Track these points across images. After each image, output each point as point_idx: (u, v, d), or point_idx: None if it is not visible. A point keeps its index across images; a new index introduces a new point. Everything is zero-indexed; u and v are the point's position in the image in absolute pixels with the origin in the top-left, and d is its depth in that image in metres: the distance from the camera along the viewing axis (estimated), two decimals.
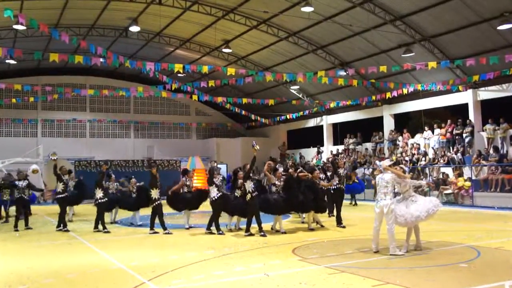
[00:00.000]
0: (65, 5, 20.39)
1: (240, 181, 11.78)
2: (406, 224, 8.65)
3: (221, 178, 12.36)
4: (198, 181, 19.71)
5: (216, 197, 11.66)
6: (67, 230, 12.75)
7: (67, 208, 14.20)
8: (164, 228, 12.00)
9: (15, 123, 30.53)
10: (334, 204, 13.23)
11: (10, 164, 24.24)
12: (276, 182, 11.98)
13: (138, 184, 13.95)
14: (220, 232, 11.63)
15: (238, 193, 11.85)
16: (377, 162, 9.78)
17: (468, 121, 20.82)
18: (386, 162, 9.15)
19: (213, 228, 11.73)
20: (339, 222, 12.68)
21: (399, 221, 8.57)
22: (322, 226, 12.51)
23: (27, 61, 26.70)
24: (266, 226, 11.65)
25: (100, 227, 12.60)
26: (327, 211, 14.58)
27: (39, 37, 22.59)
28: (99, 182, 12.83)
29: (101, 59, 17.65)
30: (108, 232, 12.38)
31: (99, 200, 12.72)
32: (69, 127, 32.08)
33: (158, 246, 10.20)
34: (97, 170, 17.78)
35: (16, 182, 13.93)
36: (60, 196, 13.09)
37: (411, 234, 8.82)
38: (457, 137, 21.02)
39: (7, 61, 24.89)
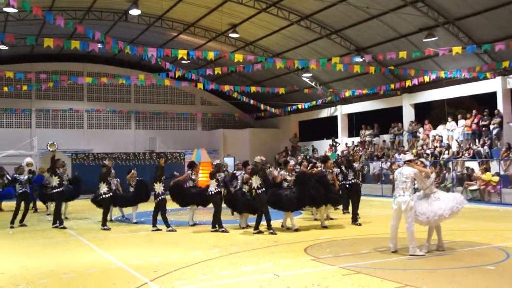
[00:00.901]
0: None
1: (246, 176, 11.87)
2: (428, 223, 8.61)
3: (222, 175, 12.38)
4: (204, 175, 19.76)
5: (213, 192, 11.77)
6: (64, 227, 12.86)
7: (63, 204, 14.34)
8: (167, 225, 12.05)
9: (7, 113, 30.70)
10: (350, 200, 13.27)
11: (3, 157, 24.50)
12: (288, 177, 12.00)
13: (137, 178, 14.04)
14: (223, 229, 11.67)
15: (245, 188, 11.97)
16: (396, 155, 9.77)
17: (496, 111, 20.63)
18: (408, 156, 9.12)
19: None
20: (354, 219, 12.67)
21: (420, 220, 8.54)
22: (331, 218, 12.74)
23: (19, 46, 26.78)
24: (276, 223, 11.66)
25: (114, 225, 12.77)
26: (341, 207, 14.65)
27: (32, 20, 22.62)
28: (104, 177, 12.92)
29: (99, 45, 17.66)
30: (108, 229, 12.48)
31: (104, 195, 12.83)
32: (66, 118, 32.25)
33: (160, 244, 10.24)
34: (99, 164, 17.87)
35: (17, 176, 14.03)
36: (56, 190, 13.18)
37: (433, 233, 8.78)
38: (483, 128, 20.84)
39: None
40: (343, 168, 13.76)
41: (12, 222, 13.45)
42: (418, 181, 8.77)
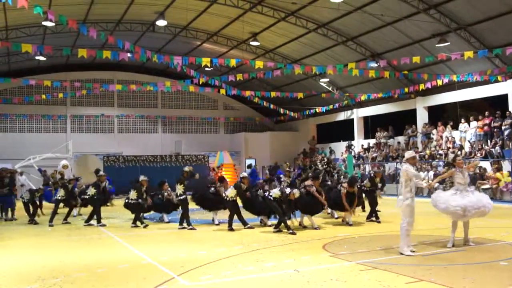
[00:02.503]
0: (93, 0, 20.77)
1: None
2: (464, 216, 8.56)
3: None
4: (226, 176, 19.86)
5: (233, 197, 11.86)
6: (103, 225, 13.14)
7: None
8: (189, 224, 12.13)
9: (45, 119, 31.36)
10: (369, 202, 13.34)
11: (41, 160, 24.98)
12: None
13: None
14: (249, 226, 11.77)
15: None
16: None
17: (508, 112, 20.29)
18: (407, 154, 8.83)
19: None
20: (372, 215, 12.82)
21: (457, 212, 8.50)
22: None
23: (56, 57, 27.34)
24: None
25: (138, 222, 12.89)
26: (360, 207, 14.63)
27: (67, 33, 23.10)
28: (141, 191, 13.07)
29: (129, 54, 17.90)
30: (147, 225, 12.78)
31: (131, 201, 13.12)
32: (98, 123, 32.74)
33: (187, 241, 10.33)
34: (128, 165, 18.04)
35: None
36: (95, 198, 13.50)
37: (456, 228, 8.71)
38: (495, 130, 20.51)
39: (37, 57, 25.54)
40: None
41: (51, 220, 13.73)
42: (407, 178, 8.30)
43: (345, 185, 12.27)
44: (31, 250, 9.79)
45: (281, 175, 14.34)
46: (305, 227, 11.75)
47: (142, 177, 13.43)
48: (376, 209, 13.03)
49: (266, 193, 11.75)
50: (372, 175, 14.14)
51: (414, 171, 8.36)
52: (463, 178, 8.79)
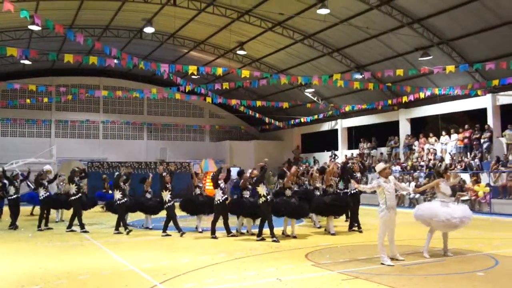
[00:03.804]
0: (80, 6, 20.65)
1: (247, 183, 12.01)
2: (462, 224, 8.69)
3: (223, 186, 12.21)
4: (210, 184, 19.73)
5: (221, 200, 11.71)
6: (86, 231, 12.96)
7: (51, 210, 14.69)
8: (179, 230, 12.09)
9: (29, 123, 30.94)
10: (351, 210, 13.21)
11: (24, 165, 24.59)
12: (291, 186, 12.01)
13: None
14: (233, 234, 11.77)
15: (246, 194, 12.03)
16: (393, 167, 9.65)
17: (486, 126, 20.62)
18: (378, 168, 8.74)
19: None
20: (351, 226, 12.78)
21: (453, 222, 8.59)
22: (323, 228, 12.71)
23: (41, 61, 27.02)
24: (277, 230, 11.66)
25: (122, 229, 12.75)
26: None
27: (54, 37, 22.91)
28: (116, 184, 12.97)
29: (115, 60, 17.82)
30: (130, 231, 12.64)
31: (118, 201, 12.88)
32: (83, 128, 32.42)
33: (169, 248, 10.26)
34: (113, 171, 17.92)
35: (43, 182, 14.20)
36: (74, 197, 13.24)
37: (431, 239, 8.83)
38: (475, 142, 20.81)
39: (22, 61, 25.27)
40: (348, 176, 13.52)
41: (39, 225, 13.64)
42: (380, 191, 8.39)
43: (316, 172, 12.54)
44: (11, 256, 9.62)
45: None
46: (287, 236, 11.74)
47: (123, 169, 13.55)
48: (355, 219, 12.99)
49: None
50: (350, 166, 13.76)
51: (382, 185, 8.37)
52: (448, 189, 8.94)
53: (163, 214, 13.01)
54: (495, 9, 16.88)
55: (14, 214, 14.36)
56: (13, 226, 14.08)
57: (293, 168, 12.65)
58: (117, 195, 12.90)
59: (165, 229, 12.26)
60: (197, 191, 12.98)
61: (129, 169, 14.08)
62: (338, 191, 12.92)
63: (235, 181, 13.92)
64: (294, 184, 12.15)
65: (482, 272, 7.53)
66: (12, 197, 14.58)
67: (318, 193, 12.93)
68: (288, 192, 11.84)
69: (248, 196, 12.10)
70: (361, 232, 12.49)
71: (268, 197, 11.31)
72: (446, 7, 17.61)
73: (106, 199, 17.17)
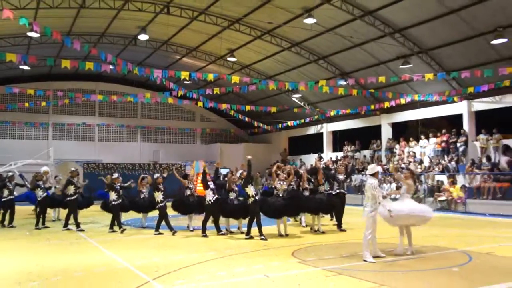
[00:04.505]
0: (78, 13, 20.54)
1: (232, 184, 11.98)
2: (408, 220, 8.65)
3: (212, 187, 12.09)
4: (199, 185, 19.66)
5: (212, 201, 11.67)
6: (82, 230, 12.88)
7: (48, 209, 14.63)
8: (171, 229, 12.05)
9: (27, 126, 30.67)
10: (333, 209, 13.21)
11: (22, 166, 24.37)
12: (277, 185, 11.96)
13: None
14: (222, 233, 11.76)
15: (232, 195, 11.98)
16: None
17: (462, 131, 20.84)
18: (370, 169, 8.66)
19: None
20: (339, 225, 12.75)
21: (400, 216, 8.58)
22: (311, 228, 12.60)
23: (40, 67, 26.84)
24: (265, 229, 11.66)
25: (116, 228, 12.66)
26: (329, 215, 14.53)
27: (52, 44, 22.73)
28: (111, 186, 12.92)
29: (111, 66, 17.70)
30: (124, 230, 12.54)
31: (113, 202, 12.82)
32: (79, 131, 32.19)
33: (162, 246, 10.22)
34: (107, 173, 17.76)
35: (39, 183, 14.07)
36: (71, 198, 13.15)
37: (404, 238, 8.83)
38: (451, 146, 21.01)
39: (21, 67, 25.02)
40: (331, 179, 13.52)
41: (37, 224, 13.58)
42: (371, 191, 8.34)
43: (305, 173, 12.65)
44: (8, 253, 9.52)
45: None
46: (281, 235, 11.64)
47: (115, 175, 13.41)
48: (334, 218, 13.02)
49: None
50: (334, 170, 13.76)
51: (378, 188, 8.39)
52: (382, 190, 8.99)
53: (156, 213, 12.97)
54: (470, 21, 17.10)
55: (10, 215, 14.24)
56: (10, 225, 14.01)
57: (275, 167, 12.59)
58: (113, 196, 12.84)
59: (157, 228, 12.22)
60: (188, 192, 12.96)
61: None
62: (325, 191, 12.85)
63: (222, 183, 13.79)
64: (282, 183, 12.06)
65: (457, 268, 7.62)
66: (6, 199, 14.38)
67: (307, 194, 12.81)
68: (277, 191, 11.86)
69: (233, 198, 12.03)
70: (344, 231, 12.48)
71: (256, 197, 11.33)
72: (425, 18, 17.81)
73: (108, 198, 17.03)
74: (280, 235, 11.65)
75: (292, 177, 12.19)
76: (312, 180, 13.09)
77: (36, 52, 23.04)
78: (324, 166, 14.28)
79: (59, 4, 19.00)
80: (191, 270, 7.57)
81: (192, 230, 12.62)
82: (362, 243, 8.39)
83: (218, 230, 11.90)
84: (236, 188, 12.17)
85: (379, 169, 8.85)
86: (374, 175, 8.53)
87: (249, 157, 11.77)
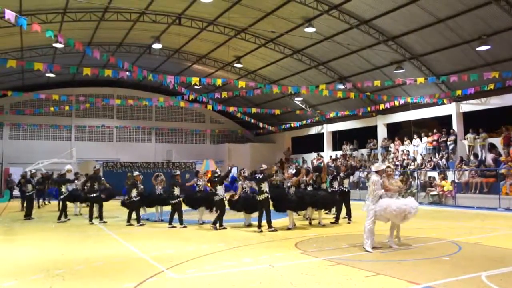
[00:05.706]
0: (97, 26, 20.65)
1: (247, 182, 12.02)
2: (398, 216, 8.33)
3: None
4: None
5: (223, 196, 11.71)
6: (105, 222, 13.07)
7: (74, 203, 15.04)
8: (181, 223, 12.06)
9: (52, 128, 30.92)
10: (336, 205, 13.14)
11: (48, 164, 24.66)
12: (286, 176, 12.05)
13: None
14: (223, 227, 11.67)
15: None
16: (372, 166, 9.50)
17: (451, 130, 20.73)
18: (375, 167, 8.68)
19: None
20: (343, 217, 12.69)
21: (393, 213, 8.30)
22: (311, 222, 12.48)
23: (63, 74, 27.00)
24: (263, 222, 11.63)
25: (135, 222, 12.68)
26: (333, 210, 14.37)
27: (74, 53, 22.83)
28: (134, 185, 13.03)
29: (127, 73, 17.75)
30: (142, 225, 12.54)
31: (133, 199, 12.91)
32: (99, 132, 32.36)
33: (175, 238, 10.22)
34: (125, 171, 17.84)
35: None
36: (95, 195, 13.33)
37: (395, 230, 8.73)
38: (442, 144, 20.91)
39: (47, 74, 25.18)
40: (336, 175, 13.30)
41: (59, 218, 13.71)
42: (373, 187, 8.31)
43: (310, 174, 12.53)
44: (37, 244, 9.60)
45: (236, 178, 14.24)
46: (288, 229, 11.47)
47: (136, 173, 13.54)
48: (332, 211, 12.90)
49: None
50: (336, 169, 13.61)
51: (378, 186, 8.30)
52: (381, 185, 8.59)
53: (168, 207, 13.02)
54: (457, 30, 17.01)
55: (29, 208, 14.40)
56: (28, 217, 14.20)
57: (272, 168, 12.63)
58: (133, 193, 12.94)
59: (170, 221, 12.24)
60: (197, 188, 13.02)
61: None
62: (331, 189, 12.76)
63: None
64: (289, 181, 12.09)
65: (447, 257, 7.57)
66: (30, 193, 14.63)
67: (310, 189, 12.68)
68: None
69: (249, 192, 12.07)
70: (336, 223, 12.36)
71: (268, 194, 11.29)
72: (416, 27, 17.73)
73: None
74: (288, 228, 11.56)
75: (303, 175, 12.13)
76: (315, 178, 13.01)
77: (60, 61, 23.13)
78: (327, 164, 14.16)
79: (81, 17, 19.14)
80: (202, 260, 7.57)
81: (202, 223, 12.61)
82: (360, 236, 8.35)
83: (220, 224, 11.78)
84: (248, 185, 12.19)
85: (384, 167, 8.70)
86: (378, 172, 8.48)
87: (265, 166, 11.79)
